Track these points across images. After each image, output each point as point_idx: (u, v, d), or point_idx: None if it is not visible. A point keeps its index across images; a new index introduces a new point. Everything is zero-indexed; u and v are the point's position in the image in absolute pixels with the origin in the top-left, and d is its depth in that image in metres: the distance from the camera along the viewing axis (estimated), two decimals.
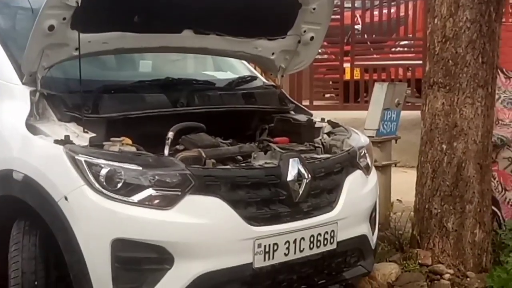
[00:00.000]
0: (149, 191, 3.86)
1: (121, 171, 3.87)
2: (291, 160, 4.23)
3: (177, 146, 4.39)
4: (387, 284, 5.05)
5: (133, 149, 4.15)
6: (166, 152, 4.20)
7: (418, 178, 5.60)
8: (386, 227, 6.10)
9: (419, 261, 5.33)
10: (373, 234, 4.87)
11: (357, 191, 4.67)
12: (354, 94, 11.97)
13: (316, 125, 5.10)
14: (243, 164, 4.31)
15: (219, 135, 4.75)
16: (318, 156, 4.65)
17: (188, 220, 3.89)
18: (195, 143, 4.38)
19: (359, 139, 5.00)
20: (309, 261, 4.33)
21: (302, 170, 4.25)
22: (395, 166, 6.77)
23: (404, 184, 6.47)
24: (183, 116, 4.59)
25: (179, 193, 3.89)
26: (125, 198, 3.84)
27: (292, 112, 5.33)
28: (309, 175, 4.27)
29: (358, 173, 4.72)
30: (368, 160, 4.90)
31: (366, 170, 4.83)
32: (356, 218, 4.63)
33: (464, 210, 5.35)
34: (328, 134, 5.10)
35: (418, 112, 9.79)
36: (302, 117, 5.16)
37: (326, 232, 4.38)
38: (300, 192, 4.23)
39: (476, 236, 5.37)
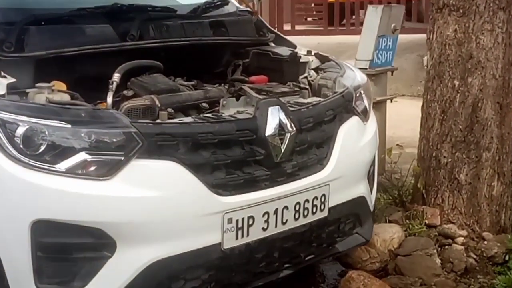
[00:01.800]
0: (82, 156, 2.92)
1: (44, 130, 2.91)
2: (270, 108, 3.28)
3: (125, 92, 3.44)
4: (389, 252, 4.16)
5: (67, 97, 3.25)
6: (109, 100, 3.24)
7: (423, 120, 4.67)
8: (380, 172, 5.21)
9: (426, 221, 4.43)
10: (371, 193, 3.96)
11: (354, 143, 3.74)
12: (339, 17, 10.99)
13: (301, 60, 4.13)
14: (209, 115, 3.34)
15: (181, 76, 3.80)
16: (305, 101, 3.70)
17: (134, 192, 2.96)
18: (147, 88, 3.44)
19: (355, 76, 4.04)
20: (294, 235, 3.44)
21: (285, 121, 3.30)
22: (391, 102, 5.82)
23: (396, 116, 5.56)
24: (134, 53, 3.66)
25: (122, 158, 2.95)
26: (49, 166, 2.89)
27: (272, 44, 4.36)
28: (294, 127, 3.33)
29: (354, 120, 3.79)
30: (366, 103, 3.95)
31: (364, 115, 3.89)
32: (352, 177, 3.72)
33: (479, 158, 4.43)
34: (316, 70, 4.14)
35: (407, 36, 8.88)
36: (284, 50, 4.18)
37: (316, 198, 3.47)
38: (283, 150, 3.29)
39: (494, 189, 4.47)
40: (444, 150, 4.49)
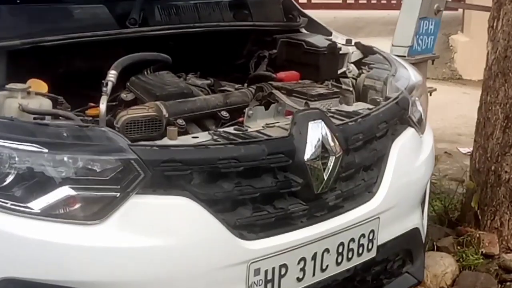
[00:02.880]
0: (63, 191, 2.15)
1: (13, 155, 2.14)
2: (311, 123, 2.51)
3: (123, 95, 2.69)
4: None
5: (47, 103, 2.50)
6: (103, 108, 2.47)
7: (481, 126, 3.92)
8: None
9: (483, 250, 3.68)
10: (423, 220, 3.21)
11: (409, 162, 2.97)
12: None
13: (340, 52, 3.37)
14: (231, 130, 2.58)
15: (193, 70, 3.05)
16: (349, 109, 2.93)
17: (133, 241, 2.20)
18: (151, 91, 2.69)
19: (409, 76, 3.27)
20: (334, 282, 2.70)
21: (329, 140, 2.53)
22: (431, 95, 5.04)
23: None
24: (135, 42, 2.91)
25: (118, 194, 2.18)
26: (18, 205, 2.13)
27: (304, 31, 3.58)
28: (340, 148, 2.56)
29: (409, 133, 3.02)
30: (420, 109, 3.18)
31: (419, 125, 3.13)
32: (405, 206, 2.96)
33: None
34: (358, 65, 3.38)
35: None
36: (320, 40, 3.39)
37: (363, 235, 2.72)
38: (325, 177, 2.52)
39: None
40: (506, 164, 3.75)
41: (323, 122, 2.54)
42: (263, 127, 2.63)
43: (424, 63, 4.98)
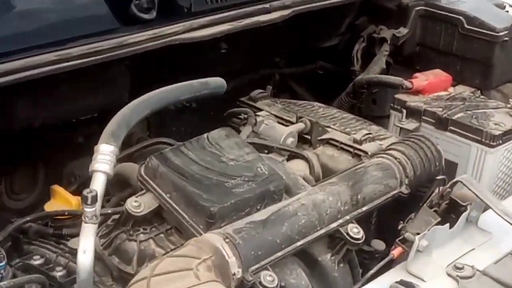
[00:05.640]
0: None
1: None
2: None
3: (131, 204, 1.15)
4: None
5: None
6: (86, 260, 1.00)
7: None
8: None
9: None
10: None
11: None
12: None
13: None
14: None
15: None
16: None
17: None
18: (196, 202, 1.19)
19: None
20: None
21: None
22: None
23: None
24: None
25: None
26: None
27: None
28: None
29: None
30: None
31: None
32: None
33: None
34: None
35: None
36: (488, 10, 1.87)
37: None
38: None
39: None
40: None
41: None
42: (452, 276, 1.14)
43: None
